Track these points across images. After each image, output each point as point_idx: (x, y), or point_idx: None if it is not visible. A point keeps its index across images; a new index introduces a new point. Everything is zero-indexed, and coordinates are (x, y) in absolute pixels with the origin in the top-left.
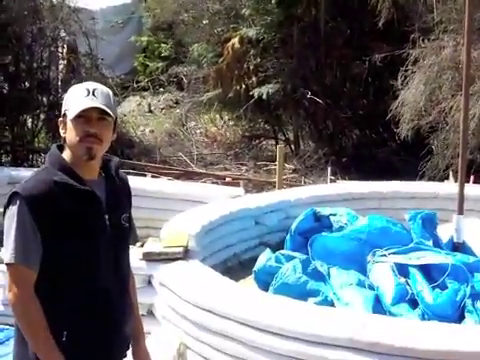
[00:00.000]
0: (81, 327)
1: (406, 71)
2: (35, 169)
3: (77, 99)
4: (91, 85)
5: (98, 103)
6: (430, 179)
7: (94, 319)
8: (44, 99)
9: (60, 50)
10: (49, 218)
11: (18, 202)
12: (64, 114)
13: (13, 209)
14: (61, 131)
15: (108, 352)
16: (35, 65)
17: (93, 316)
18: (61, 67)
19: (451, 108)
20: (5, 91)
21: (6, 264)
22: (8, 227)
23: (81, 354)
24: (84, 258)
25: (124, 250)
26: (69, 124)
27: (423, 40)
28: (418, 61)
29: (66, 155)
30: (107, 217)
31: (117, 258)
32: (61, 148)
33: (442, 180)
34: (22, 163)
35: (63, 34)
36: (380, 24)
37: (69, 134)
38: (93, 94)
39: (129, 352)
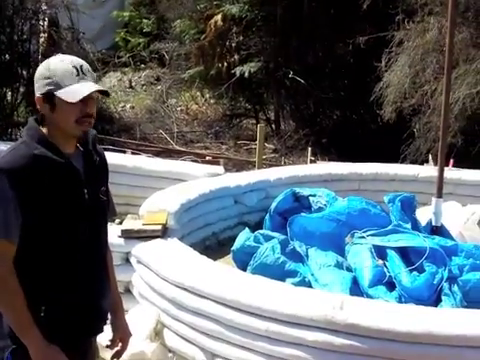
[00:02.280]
0: (59, 302)
1: (390, 53)
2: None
3: (70, 79)
4: (75, 61)
5: (97, 85)
6: (412, 162)
7: (73, 293)
8: (24, 72)
9: (41, 23)
10: (30, 192)
11: (3, 179)
12: (49, 92)
13: None
14: (42, 108)
15: (86, 326)
16: (15, 38)
17: (72, 290)
18: (42, 40)
19: (434, 91)
20: None
21: None
22: None
23: (59, 329)
24: (64, 232)
25: (103, 224)
26: (63, 105)
27: (408, 22)
28: (403, 43)
29: (46, 129)
30: (86, 191)
31: (96, 232)
32: (38, 121)
33: (423, 163)
34: (1, 137)
35: (44, 7)
36: (364, 6)
37: (62, 115)
38: (83, 72)
39: (108, 327)
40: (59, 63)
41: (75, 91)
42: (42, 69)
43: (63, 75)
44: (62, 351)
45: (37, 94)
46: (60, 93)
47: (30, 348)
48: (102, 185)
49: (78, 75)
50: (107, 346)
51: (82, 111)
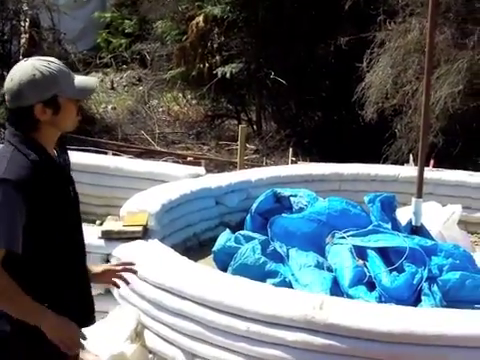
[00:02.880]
0: (61, 298)
1: (372, 53)
2: None
3: (68, 78)
4: (57, 60)
5: (93, 77)
6: (393, 162)
7: (72, 289)
8: (5, 73)
9: (22, 24)
10: (34, 199)
11: (5, 187)
12: (53, 96)
13: (1, 196)
14: (42, 114)
15: (83, 319)
16: None
17: (71, 286)
18: (23, 41)
19: (416, 91)
20: None
21: None
22: None
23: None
24: (63, 232)
25: (81, 220)
26: (67, 105)
27: (389, 23)
28: (384, 44)
29: (35, 133)
30: (71, 188)
31: (80, 228)
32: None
33: (404, 164)
34: None
35: (25, 8)
36: (346, 6)
37: (66, 114)
38: (68, 69)
39: None
40: (51, 65)
41: (81, 88)
42: (38, 76)
43: (61, 76)
44: None
45: (34, 102)
46: (67, 93)
47: (44, 326)
48: (73, 182)
49: (69, 72)
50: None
51: (76, 106)
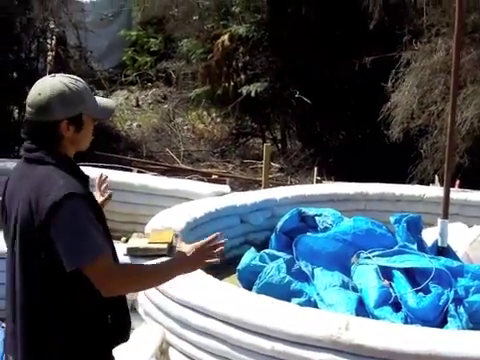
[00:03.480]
0: (118, 308)
1: (397, 73)
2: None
3: (91, 97)
4: (83, 82)
5: (108, 98)
6: (419, 183)
7: (124, 298)
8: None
9: (49, 41)
10: (94, 213)
11: (77, 201)
12: (79, 114)
13: (76, 208)
14: (65, 131)
15: (123, 334)
16: (23, 56)
17: (122, 297)
18: (49, 59)
19: (442, 111)
20: None
21: (94, 260)
22: (78, 226)
23: (120, 331)
24: (111, 246)
25: None
26: (89, 124)
27: (415, 42)
28: (410, 63)
29: (59, 151)
30: None
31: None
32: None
33: (429, 184)
34: (8, 154)
35: (52, 26)
36: (371, 26)
37: (86, 133)
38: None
39: None
40: (78, 83)
41: (103, 108)
42: (68, 93)
43: (87, 95)
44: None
45: (61, 118)
46: (91, 112)
47: (184, 271)
48: None
49: (91, 92)
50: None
51: (93, 126)
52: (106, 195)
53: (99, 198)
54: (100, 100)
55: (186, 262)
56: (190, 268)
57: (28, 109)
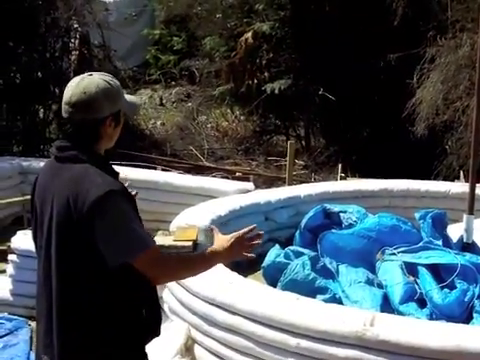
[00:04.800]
0: (152, 302)
1: (422, 69)
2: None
3: (124, 96)
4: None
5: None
6: (445, 179)
7: (156, 294)
8: (56, 90)
9: (73, 41)
10: (133, 207)
11: (118, 197)
12: (119, 111)
13: (119, 205)
14: (107, 128)
15: (161, 322)
16: (48, 55)
17: (155, 291)
18: (73, 58)
19: (466, 107)
20: (18, 81)
21: (145, 251)
22: (124, 222)
23: (154, 325)
24: None
25: None
26: (121, 120)
27: (440, 38)
28: (435, 59)
29: (97, 147)
30: None
31: None
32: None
33: (455, 180)
34: (33, 153)
35: (76, 25)
36: (395, 22)
37: (119, 129)
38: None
39: None
40: (113, 79)
41: (132, 104)
42: (111, 89)
43: (120, 88)
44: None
45: (108, 113)
46: (125, 108)
47: (223, 260)
48: None
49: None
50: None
51: None
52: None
53: None
54: (128, 97)
55: (226, 251)
56: (229, 257)
57: (70, 109)
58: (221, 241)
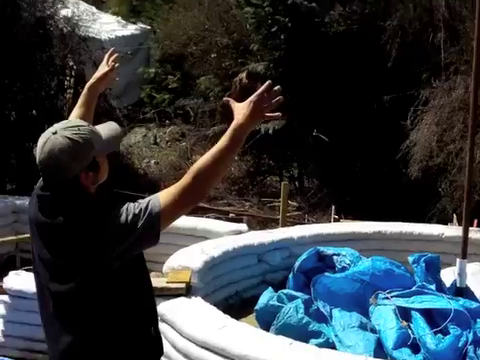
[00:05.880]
0: (157, 319)
1: (416, 111)
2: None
3: (94, 133)
4: (86, 124)
5: (109, 122)
6: (438, 222)
7: (157, 313)
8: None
9: (68, 79)
10: None
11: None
12: (93, 161)
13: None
14: (86, 179)
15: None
16: (43, 93)
17: (156, 311)
18: (68, 96)
19: (460, 150)
20: (12, 118)
21: (161, 211)
22: (130, 210)
23: (160, 343)
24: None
25: None
26: (102, 161)
27: (434, 80)
28: (429, 101)
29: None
30: None
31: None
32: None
33: (448, 223)
34: (27, 192)
35: (72, 63)
36: (389, 64)
37: (104, 168)
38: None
39: None
40: (81, 130)
41: (109, 139)
42: (76, 146)
43: (93, 138)
44: None
45: (77, 172)
46: (102, 151)
47: (247, 128)
48: None
49: (95, 130)
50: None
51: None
52: (110, 66)
53: (104, 68)
54: (104, 130)
55: (248, 116)
56: (253, 122)
57: (42, 171)
58: (240, 109)
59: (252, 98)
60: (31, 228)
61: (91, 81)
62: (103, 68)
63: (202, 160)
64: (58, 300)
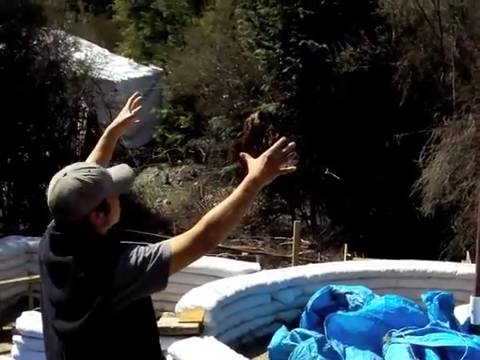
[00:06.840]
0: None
1: (428, 149)
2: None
3: (105, 175)
4: (97, 166)
5: (120, 165)
6: (452, 259)
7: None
8: None
9: (81, 121)
10: None
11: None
12: (103, 202)
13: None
14: (96, 220)
15: None
16: (56, 135)
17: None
18: (81, 138)
19: (473, 187)
20: (25, 160)
21: (171, 256)
22: (141, 253)
23: None
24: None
25: None
26: (113, 202)
27: (446, 119)
28: (440, 140)
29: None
30: None
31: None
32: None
33: (461, 261)
34: (40, 232)
35: (84, 105)
36: (401, 103)
37: (115, 208)
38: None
39: None
40: (91, 171)
41: (120, 181)
42: (86, 188)
43: (103, 179)
44: None
45: (86, 212)
46: (112, 192)
47: (263, 182)
48: None
49: (106, 172)
50: None
51: (118, 197)
52: (132, 112)
53: (126, 113)
54: (116, 173)
55: (263, 171)
56: (268, 177)
57: (53, 211)
58: (255, 164)
59: (267, 153)
60: (41, 268)
61: (112, 125)
62: (125, 113)
63: (215, 210)
64: (63, 339)
